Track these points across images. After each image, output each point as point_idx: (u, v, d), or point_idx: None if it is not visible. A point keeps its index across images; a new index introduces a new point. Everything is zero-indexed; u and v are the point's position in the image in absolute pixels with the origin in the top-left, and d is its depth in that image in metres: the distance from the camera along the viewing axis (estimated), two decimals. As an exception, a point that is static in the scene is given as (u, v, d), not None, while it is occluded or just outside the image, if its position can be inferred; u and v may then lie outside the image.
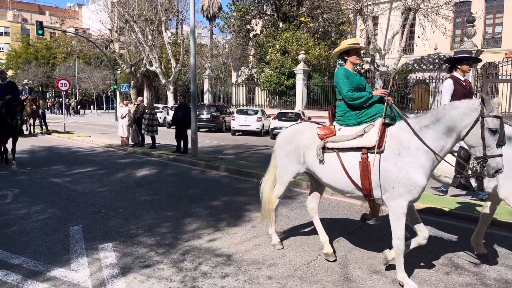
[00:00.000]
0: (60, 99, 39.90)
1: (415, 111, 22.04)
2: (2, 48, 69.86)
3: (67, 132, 19.41)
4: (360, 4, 19.68)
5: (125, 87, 33.58)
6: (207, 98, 32.57)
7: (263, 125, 22.18)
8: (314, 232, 5.56)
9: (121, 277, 4.06)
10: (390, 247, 4.08)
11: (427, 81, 22.80)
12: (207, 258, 4.59)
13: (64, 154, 13.09)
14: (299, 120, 19.61)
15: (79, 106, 50.68)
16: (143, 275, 4.12)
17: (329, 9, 22.91)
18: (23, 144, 14.03)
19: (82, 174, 9.60)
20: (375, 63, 21.42)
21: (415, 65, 25.29)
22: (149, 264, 4.37)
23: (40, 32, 26.86)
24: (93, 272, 4.16)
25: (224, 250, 4.84)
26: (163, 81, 32.79)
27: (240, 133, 22.59)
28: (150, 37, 31.37)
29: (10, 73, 56.11)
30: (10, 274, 4.05)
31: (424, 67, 24.83)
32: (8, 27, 72.34)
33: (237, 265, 4.40)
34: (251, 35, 32.90)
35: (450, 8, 20.64)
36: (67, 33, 48.86)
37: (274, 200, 4.98)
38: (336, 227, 5.81)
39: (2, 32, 72.23)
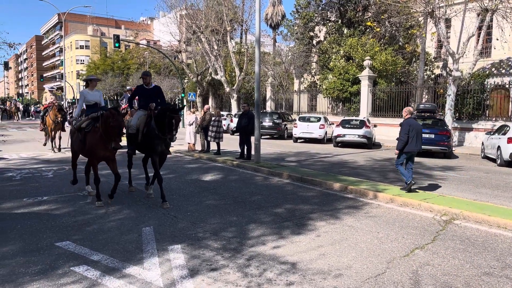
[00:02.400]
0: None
1: (493, 119, 20.46)
2: (83, 60, 76.34)
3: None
4: (431, 6, 18.74)
5: (191, 95, 34.97)
6: (269, 106, 32.86)
7: (326, 132, 21.86)
8: (382, 244, 5.36)
9: (189, 278, 4.20)
10: (467, 264, 3.81)
11: (507, 86, 21.05)
12: (272, 265, 4.60)
13: (135, 158, 13.86)
14: (364, 128, 19.08)
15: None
16: (210, 278, 4.23)
17: (397, 13, 22.06)
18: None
19: (153, 178, 10.10)
20: (447, 68, 20.22)
21: (493, 69, 23.48)
22: (215, 268, 4.49)
23: (117, 45, 28.96)
24: (164, 272, 4.35)
25: (289, 258, 4.82)
26: (227, 89, 33.66)
27: (302, 140, 22.46)
28: (215, 47, 32.43)
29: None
30: (90, 270, 4.36)
31: (503, 71, 22.96)
32: (88, 40, 79.03)
33: (302, 274, 4.36)
34: (314, 42, 32.73)
35: (533, 7, 18.92)
36: (140, 45, 52.09)
37: None
38: (407, 240, 5.54)
39: (83, 46, 79.07)
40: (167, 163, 13.11)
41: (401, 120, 19.47)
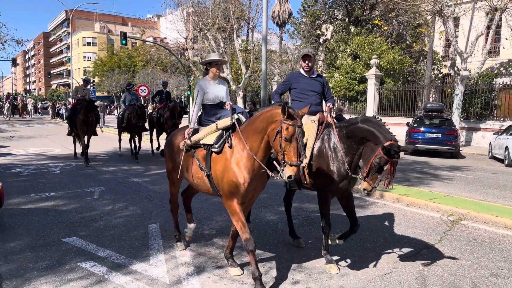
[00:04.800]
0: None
1: (501, 119, 20.29)
2: (90, 57, 76.72)
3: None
4: (439, 5, 18.59)
5: (197, 93, 34.98)
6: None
7: (332, 131, 21.75)
8: (388, 243, 5.34)
9: (195, 275, 4.21)
10: (474, 265, 3.78)
11: (516, 86, 20.85)
12: (277, 263, 4.60)
13: (142, 155, 13.92)
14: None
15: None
16: (216, 275, 4.24)
17: (405, 11, 21.91)
18: (107, 145, 15.20)
19: (159, 175, 10.14)
20: (455, 67, 20.07)
21: (502, 68, 23.29)
22: (221, 265, 4.49)
23: (123, 42, 29.02)
24: (170, 268, 4.37)
25: (294, 256, 4.82)
26: (233, 87, 33.62)
27: (308, 139, 22.39)
28: (222, 45, 32.41)
29: (96, 80, 61.32)
30: (97, 266, 4.39)
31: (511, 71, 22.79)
32: (95, 37, 79.40)
33: (307, 273, 4.36)
34: (321, 40, 32.62)
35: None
36: (147, 43, 52.22)
37: None
38: (414, 241, 5.51)
39: (90, 43, 79.45)
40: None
41: (408, 119, 19.45)
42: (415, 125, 16.49)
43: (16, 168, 10.55)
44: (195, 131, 4.45)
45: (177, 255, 4.75)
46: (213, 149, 4.16)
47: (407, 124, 17.38)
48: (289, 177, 3.51)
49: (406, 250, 5.13)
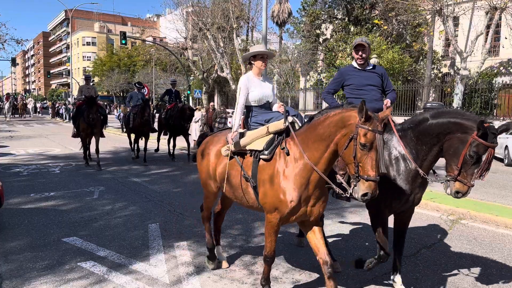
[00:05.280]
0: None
1: (501, 118, 20.30)
2: (90, 57, 76.66)
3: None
4: (439, 4, 18.58)
5: (197, 93, 35.04)
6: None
7: (332, 130, 21.75)
8: (388, 243, 5.33)
9: (195, 275, 4.22)
10: (474, 264, 3.78)
11: (515, 85, 20.85)
12: (278, 263, 4.60)
13: (143, 155, 13.90)
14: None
15: (155, 111, 53.75)
16: (216, 275, 4.24)
17: (405, 11, 21.93)
18: (106, 145, 15.18)
19: (159, 174, 10.15)
20: (455, 66, 20.08)
21: (501, 68, 23.29)
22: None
23: (123, 41, 29.05)
24: (170, 268, 4.37)
25: (295, 255, 4.82)
26: (233, 86, 33.64)
27: (308, 138, 22.40)
28: (222, 44, 32.40)
29: (96, 79, 61.31)
30: (97, 266, 4.39)
31: (511, 70, 22.79)
32: (95, 37, 79.35)
33: (308, 272, 4.36)
34: (320, 39, 32.63)
35: (542, 5, 18.69)
36: (146, 42, 52.20)
37: None
38: (413, 239, 5.51)
39: (89, 42, 79.41)
40: (169, 161, 13.11)
41: (406, 118, 19.44)
42: (415, 124, 16.47)
43: (16, 168, 10.55)
44: (240, 135, 3.85)
45: (177, 254, 4.75)
46: (262, 156, 3.54)
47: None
48: (364, 195, 2.85)
49: (406, 249, 5.12)
